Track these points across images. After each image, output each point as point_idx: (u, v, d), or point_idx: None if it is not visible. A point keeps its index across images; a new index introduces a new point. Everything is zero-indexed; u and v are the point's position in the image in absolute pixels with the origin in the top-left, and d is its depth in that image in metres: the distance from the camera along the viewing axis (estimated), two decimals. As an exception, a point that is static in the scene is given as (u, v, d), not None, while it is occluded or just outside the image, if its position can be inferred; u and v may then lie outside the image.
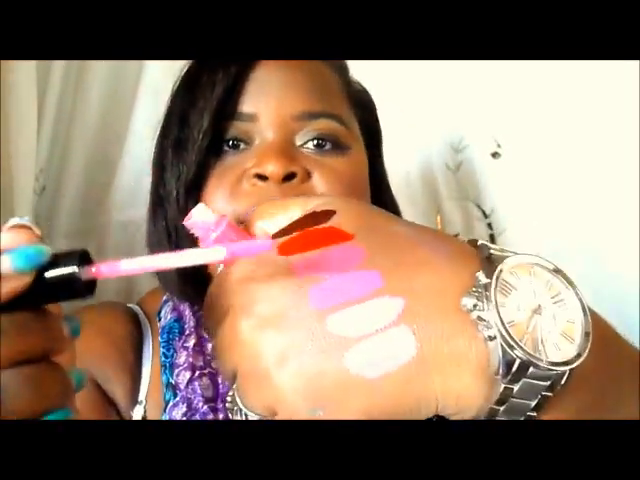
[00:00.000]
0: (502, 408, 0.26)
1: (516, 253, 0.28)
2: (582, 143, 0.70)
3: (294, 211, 0.31)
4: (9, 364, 0.22)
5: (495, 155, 0.78)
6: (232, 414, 0.29)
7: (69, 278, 0.23)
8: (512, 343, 0.25)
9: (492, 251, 0.28)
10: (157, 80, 0.72)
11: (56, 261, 0.23)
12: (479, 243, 0.29)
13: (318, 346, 0.25)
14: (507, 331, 0.25)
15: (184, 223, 0.32)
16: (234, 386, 0.28)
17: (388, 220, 0.29)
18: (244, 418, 0.28)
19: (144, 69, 0.74)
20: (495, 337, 0.25)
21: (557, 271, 0.27)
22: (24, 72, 0.58)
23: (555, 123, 0.72)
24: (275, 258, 0.27)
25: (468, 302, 0.25)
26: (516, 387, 0.25)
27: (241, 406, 0.28)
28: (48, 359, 0.23)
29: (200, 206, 0.32)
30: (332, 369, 0.25)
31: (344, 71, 0.56)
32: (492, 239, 0.79)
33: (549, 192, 0.74)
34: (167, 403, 0.43)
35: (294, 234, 0.27)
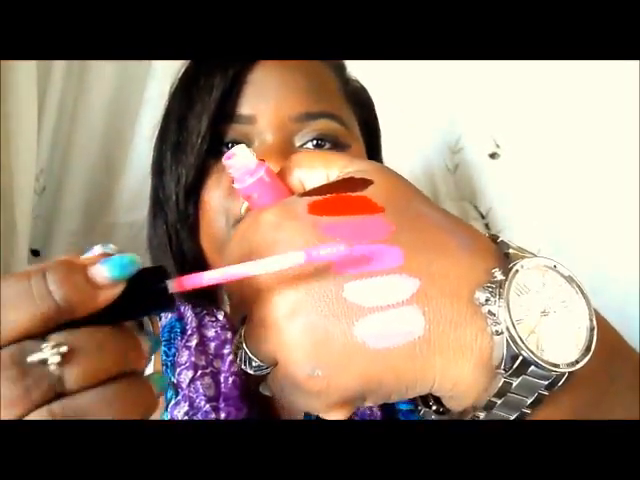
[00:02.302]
0: (499, 401, 0.27)
1: (534, 255, 0.28)
2: (581, 143, 0.70)
3: (333, 170, 0.31)
4: (89, 383, 0.22)
5: (494, 155, 0.78)
6: (236, 356, 0.29)
7: (157, 293, 0.24)
8: (517, 340, 0.25)
9: (511, 250, 0.28)
10: (164, 82, 0.72)
11: (140, 277, 0.24)
12: (499, 240, 0.29)
13: (330, 309, 0.25)
14: (515, 328, 0.25)
15: (223, 161, 0.32)
16: (242, 329, 0.29)
17: (419, 200, 0.29)
18: (246, 363, 0.29)
19: (151, 71, 0.74)
20: (502, 332, 0.25)
21: (571, 278, 0.28)
22: (24, 72, 0.58)
23: (554, 123, 0.72)
24: (304, 215, 0.27)
25: (481, 296, 0.26)
26: (515, 382, 0.26)
27: (246, 349, 0.28)
28: (130, 374, 0.23)
29: (242, 147, 0.32)
30: (340, 333, 0.25)
31: (341, 69, 0.56)
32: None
33: (547, 192, 0.74)
34: (168, 402, 0.44)
35: (327, 195, 0.28)
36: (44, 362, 0.21)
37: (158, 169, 0.52)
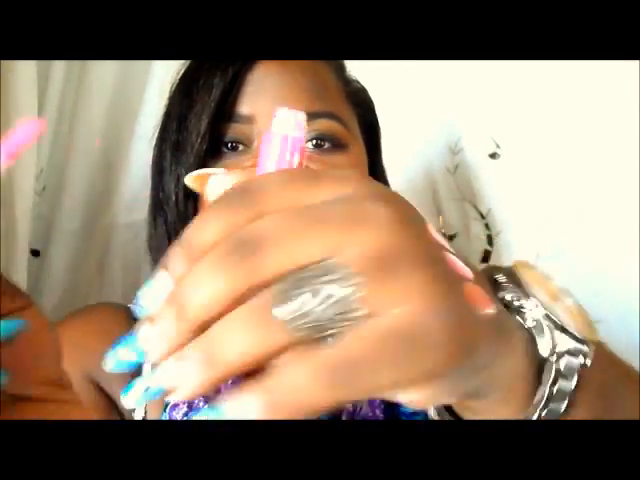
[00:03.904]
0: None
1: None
2: (581, 144, 0.70)
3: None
4: None
5: (494, 156, 0.78)
6: None
7: None
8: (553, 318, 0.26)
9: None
10: (164, 81, 0.72)
11: None
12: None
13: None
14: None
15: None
16: None
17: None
18: None
19: (151, 71, 0.74)
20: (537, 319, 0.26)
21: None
22: (24, 72, 0.58)
23: (554, 124, 0.72)
24: None
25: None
26: (561, 365, 0.26)
27: None
28: None
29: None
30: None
31: (342, 70, 0.56)
32: (489, 240, 0.79)
33: (547, 193, 0.74)
34: (167, 403, 0.44)
35: None
36: None
37: (158, 169, 0.52)
